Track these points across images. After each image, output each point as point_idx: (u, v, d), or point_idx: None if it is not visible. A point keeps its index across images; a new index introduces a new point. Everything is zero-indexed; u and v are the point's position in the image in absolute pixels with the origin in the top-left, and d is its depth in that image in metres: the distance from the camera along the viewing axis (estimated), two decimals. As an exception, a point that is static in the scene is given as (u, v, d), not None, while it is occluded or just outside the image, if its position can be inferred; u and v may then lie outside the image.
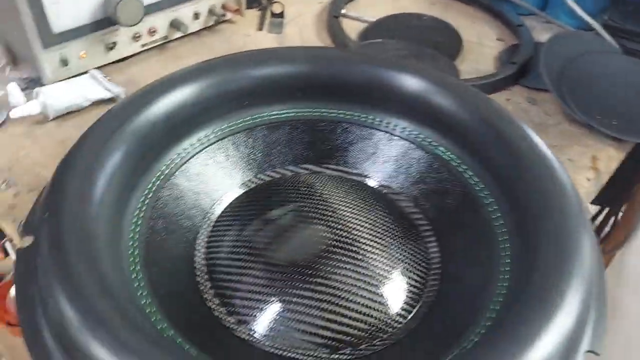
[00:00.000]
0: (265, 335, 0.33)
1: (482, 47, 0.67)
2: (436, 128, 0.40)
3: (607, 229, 0.77)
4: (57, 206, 0.29)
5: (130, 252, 0.32)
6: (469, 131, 0.37)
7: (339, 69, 0.40)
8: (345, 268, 0.34)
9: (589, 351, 0.28)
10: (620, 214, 0.76)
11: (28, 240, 0.32)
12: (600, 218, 0.81)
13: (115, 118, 0.35)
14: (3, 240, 0.78)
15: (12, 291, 0.73)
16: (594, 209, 0.86)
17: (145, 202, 0.35)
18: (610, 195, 0.83)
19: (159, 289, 0.32)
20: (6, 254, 0.81)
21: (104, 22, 0.57)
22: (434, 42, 0.65)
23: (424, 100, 0.39)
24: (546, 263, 0.29)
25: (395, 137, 0.42)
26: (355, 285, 0.34)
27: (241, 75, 0.41)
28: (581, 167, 0.49)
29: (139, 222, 0.34)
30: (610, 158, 0.51)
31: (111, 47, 0.59)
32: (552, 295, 0.27)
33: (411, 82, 0.39)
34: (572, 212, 0.31)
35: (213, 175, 0.41)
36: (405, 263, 0.36)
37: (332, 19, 0.68)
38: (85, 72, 0.59)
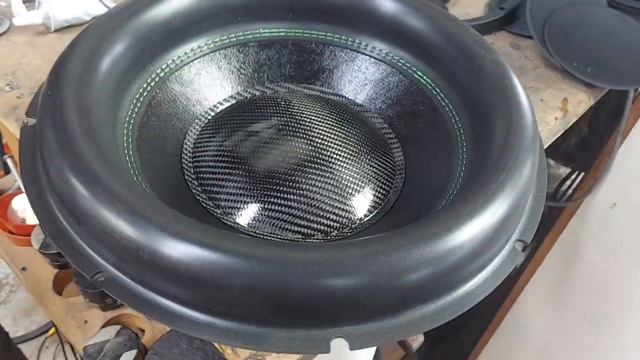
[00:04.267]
0: (248, 224, 0.37)
1: (474, -7, 0.69)
2: (414, 51, 0.42)
3: (576, 184, 0.81)
4: (60, 85, 0.32)
5: (124, 138, 0.35)
6: (443, 54, 0.40)
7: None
8: (316, 175, 0.38)
9: (519, 240, 0.33)
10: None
11: (32, 121, 0.35)
12: (573, 177, 0.86)
13: (117, 17, 0.37)
14: (4, 157, 0.81)
15: (13, 203, 0.76)
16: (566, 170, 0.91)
17: (140, 99, 0.38)
18: (583, 159, 0.88)
19: (150, 176, 0.35)
20: (6, 171, 0.85)
21: (107, -62, 0.58)
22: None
23: (401, 22, 0.41)
24: (492, 168, 0.32)
25: (377, 61, 0.44)
26: (326, 189, 0.38)
27: (236, -10, 0.43)
28: (552, 107, 0.52)
29: (133, 115, 0.37)
30: (580, 102, 0.54)
31: (113, -35, 0.61)
32: (487, 190, 0.30)
33: (389, 4, 0.41)
34: (521, 133, 0.34)
35: (205, 85, 0.43)
36: (373, 173, 0.40)
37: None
38: (87, -11, 0.61)
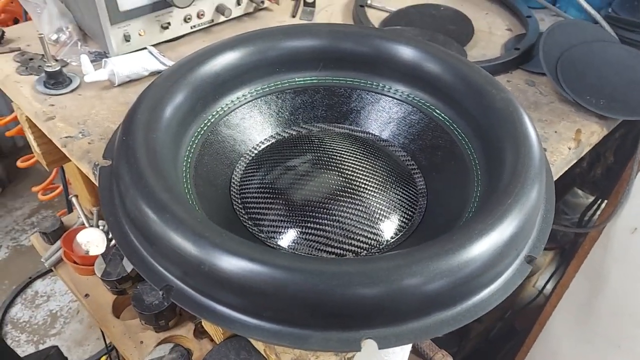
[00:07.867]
0: (288, 246, 0.42)
1: (491, 35, 0.74)
2: (432, 92, 0.48)
3: (599, 211, 0.83)
4: (132, 132, 0.39)
5: (183, 174, 0.42)
6: (458, 94, 0.45)
7: (353, 42, 0.49)
8: (347, 204, 0.43)
9: (528, 255, 0.36)
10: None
11: (107, 162, 0.42)
12: (596, 205, 0.88)
13: (175, 73, 0.45)
14: (70, 197, 0.90)
15: (78, 237, 0.85)
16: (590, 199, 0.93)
17: (195, 141, 0.45)
18: (605, 188, 0.90)
19: (204, 206, 0.41)
20: (70, 209, 0.94)
21: (161, 4, 0.67)
22: (448, 30, 0.73)
23: (420, 67, 0.47)
24: (501, 193, 0.37)
25: (400, 102, 0.50)
26: (356, 216, 0.43)
27: (274, 45, 0.50)
28: (565, 138, 0.56)
29: (190, 154, 0.44)
30: (593, 132, 0.58)
31: (166, 27, 0.70)
32: (495, 212, 0.34)
33: (408, 52, 0.47)
34: (528, 162, 0.38)
35: (248, 127, 0.50)
36: (398, 200, 0.45)
37: (358, 8, 0.77)
38: (144, 48, 0.70)
